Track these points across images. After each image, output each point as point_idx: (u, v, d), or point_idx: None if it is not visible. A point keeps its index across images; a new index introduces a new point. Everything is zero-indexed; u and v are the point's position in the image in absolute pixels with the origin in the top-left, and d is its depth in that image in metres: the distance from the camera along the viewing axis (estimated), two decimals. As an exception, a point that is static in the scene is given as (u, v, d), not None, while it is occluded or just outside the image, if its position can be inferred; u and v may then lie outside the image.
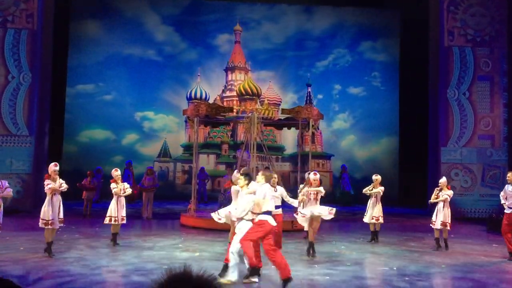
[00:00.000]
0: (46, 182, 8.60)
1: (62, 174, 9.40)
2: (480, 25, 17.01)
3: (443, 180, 10.68)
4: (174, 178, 21.53)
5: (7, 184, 8.35)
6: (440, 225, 10.22)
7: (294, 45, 21.86)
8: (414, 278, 7.80)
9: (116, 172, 10.17)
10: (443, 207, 10.29)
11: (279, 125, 15.95)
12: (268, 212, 6.99)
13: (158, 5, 21.50)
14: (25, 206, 15.11)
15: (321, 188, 9.41)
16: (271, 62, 21.95)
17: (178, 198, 18.74)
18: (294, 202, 9.52)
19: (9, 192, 8.35)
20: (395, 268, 8.49)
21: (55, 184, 8.57)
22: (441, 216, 10.21)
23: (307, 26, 21.95)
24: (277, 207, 8.91)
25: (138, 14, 21.34)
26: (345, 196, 19.69)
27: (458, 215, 16.15)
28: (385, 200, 18.86)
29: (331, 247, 10.42)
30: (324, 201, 11.92)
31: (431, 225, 10.51)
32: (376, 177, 11.29)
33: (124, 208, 10.07)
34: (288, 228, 11.96)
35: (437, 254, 9.86)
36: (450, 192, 10.46)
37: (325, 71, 22.05)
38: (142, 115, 21.23)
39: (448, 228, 10.35)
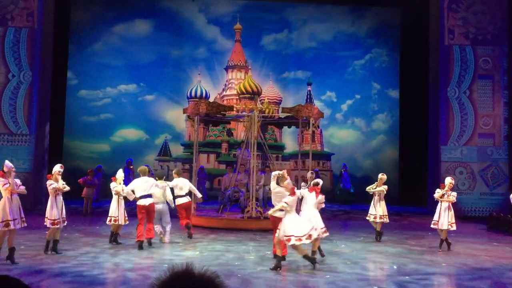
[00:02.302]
0: (49, 182, 8.67)
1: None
2: (481, 23, 16.99)
3: (453, 181, 10.52)
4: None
5: (19, 182, 8.37)
6: (449, 226, 10.05)
7: (336, 45, 21.88)
8: (415, 277, 7.80)
9: (119, 174, 10.25)
10: (448, 208, 10.15)
11: (280, 123, 15.94)
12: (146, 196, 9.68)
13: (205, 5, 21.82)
14: (25, 205, 15.06)
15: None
16: (311, 61, 21.95)
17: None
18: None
19: (23, 189, 8.33)
20: (395, 267, 8.49)
21: (57, 184, 8.63)
22: (447, 217, 10.05)
23: (346, 26, 22.00)
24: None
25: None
26: (345, 194, 19.72)
27: (459, 214, 16.15)
28: (386, 199, 18.88)
29: (331, 245, 10.41)
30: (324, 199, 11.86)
31: (433, 226, 10.32)
32: (382, 176, 11.20)
33: (124, 209, 10.08)
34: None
35: (437, 253, 9.86)
36: (455, 194, 10.39)
37: (363, 70, 22.05)
38: (174, 115, 21.32)
39: (455, 228, 10.23)
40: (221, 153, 22.09)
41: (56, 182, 8.67)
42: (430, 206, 17.73)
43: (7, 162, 8.16)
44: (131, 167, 17.87)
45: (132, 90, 21.28)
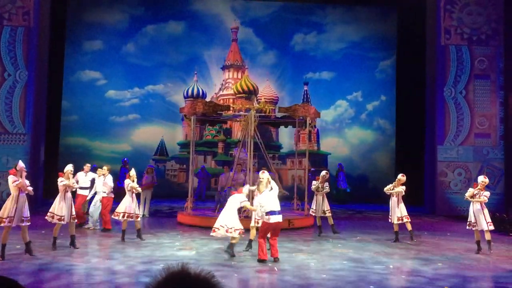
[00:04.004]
0: (60, 179, 9.12)
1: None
2: (476, 24, 17.05)
3: (487, 180, 10.01)
4: (171, 176, 21.57)
5: (28, 183, 8.60)
6: (487, 226, 9.64)
7: (363, 46, 21.93)
8: (412, 276, 7.82)
9: (132, 172, 10.62)
10: (482, 208, 9.74)
11: (276, 123, 15.95)
12: None
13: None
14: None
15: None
16: (337, 63, 22.01)
17: (175, 196, 18.76)
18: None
19: (31, 189, 8.58)
20: (391, 266, 8.51)
21: (68, 181, 9.10)
22: (484, 217, 9.68)
23: (374, 28, 22.00)
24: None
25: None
26: (341, 194, 19.75)
27: (454, 213, 16.22)
28: (382, 198, 18.92)
29: (327, 245, 10.44)
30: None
31: (469, 227, 9.92)
32: (401, 177, 10.97)
33: (137, 205, 10.56)
34: (285, 226, 11.95)
35: (433, 252, 9.88)
36: (488, 193, 9.91)
37: (390, 70, 22.08)
38: None
39: (493, 227, 9.85)
40: (217, 153, 22.10)
41: (67, 180, 9.11)
42: (427, 206, 17.82)
43: (20, 162, 8.50)
44: (127, 166, 17.90)
45: (159, 90, 21.51)
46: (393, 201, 10.93)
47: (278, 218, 8.53)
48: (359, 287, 7.07)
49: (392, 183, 11.12)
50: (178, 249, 9.62)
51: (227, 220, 8.86)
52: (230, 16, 21.97)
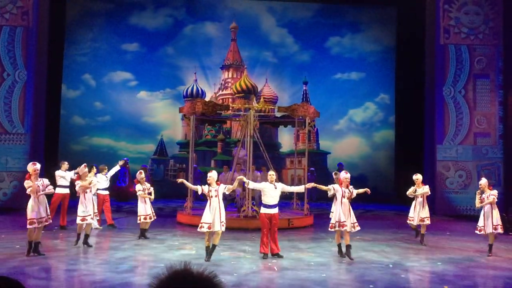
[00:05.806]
0: (77, 182, 9.49)
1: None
2: (474, 23, 17.06)
3: (483, 181, 9.76)
4: (170, 176, 21.57)
5: (48, 182, 8.68)
6: (493, 229, 9.47)
7: (394, 47, 21.89)
8: (411, 275, 7.82)
9: (141, 175, 10.71)
10: (492, 209, 9.51)
11: (276, 123, 15.94)
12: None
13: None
14: (21, 204, 15.00)
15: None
16: (365, 64, 22.07)
17: (174, 196, 18.73)
18: (298, 189, 9.81)
19: (50, 188, 8.72)
20: (391, 266, 8.51)
21: (85, 182, 9.39)
22: (492, 220, 9.46)
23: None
24: (274, 206, 8.90)
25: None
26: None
27: (454, 213, 16.24)
28: (381, 198, 18.92)
29: (328, 245, 10.44)
30: (320, 198, 11.85)
31: (477, 231, 9.75)
32: (417, 177, 10.75)
33: (151, 206, 10.71)
34: (285, 225, 11.97)
35: (432, 252, 9.88)
36: (495, 192, 9.69)
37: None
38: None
39: (501, 231, 9.68)
40: (217, 152, 22.10)
41: (83, 181, 9.40)
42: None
43: (29, 165, 8.57)
44: (127, 166, 17.92)
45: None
46: (417, 202, 10.69)
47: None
48: (358, 286, 7.07)
49: (413, 186, 10.79)
50: (178, 249, 9.62)
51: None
52: (267, 17, 21.99)
